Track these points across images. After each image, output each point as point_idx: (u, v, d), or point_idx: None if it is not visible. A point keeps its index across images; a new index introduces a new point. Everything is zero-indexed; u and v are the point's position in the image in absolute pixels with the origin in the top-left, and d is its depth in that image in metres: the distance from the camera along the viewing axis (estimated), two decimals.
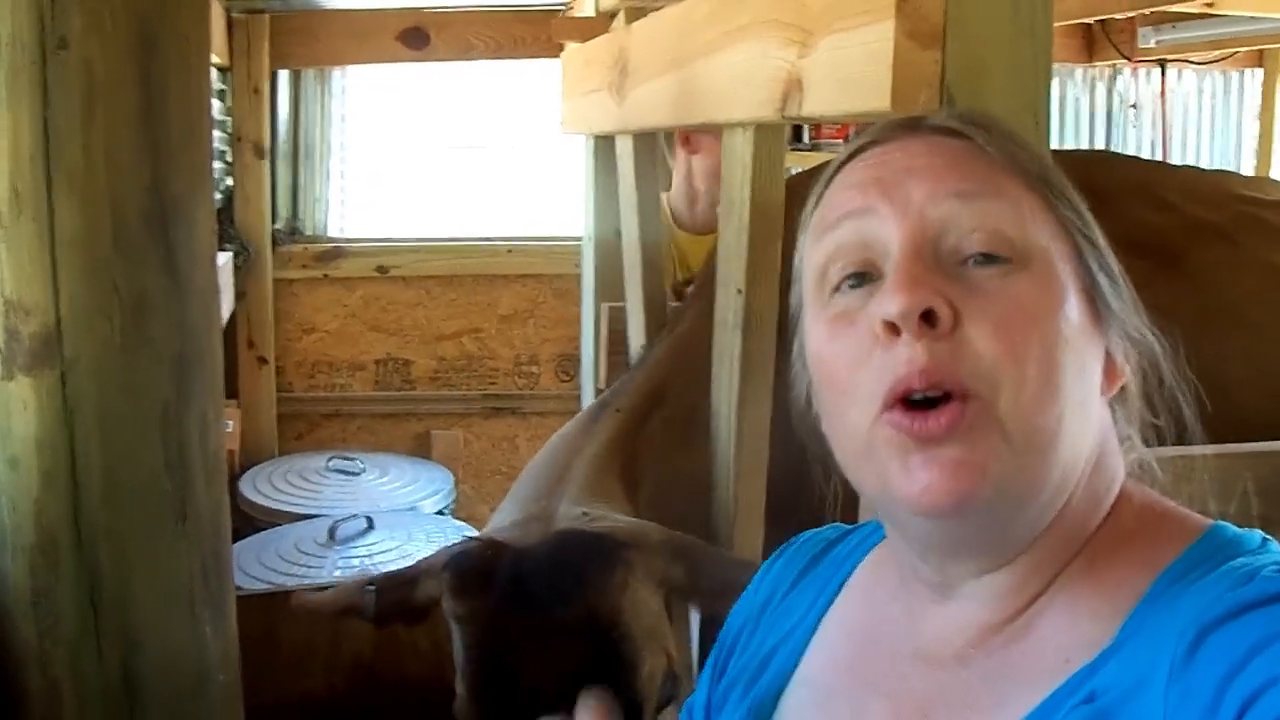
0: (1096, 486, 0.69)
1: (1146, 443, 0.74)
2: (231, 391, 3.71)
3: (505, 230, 4.18)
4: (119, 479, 1.21)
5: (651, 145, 2.33)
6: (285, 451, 3.96)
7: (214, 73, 3.49)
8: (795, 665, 0.80)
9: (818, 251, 0.72)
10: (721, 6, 1.60)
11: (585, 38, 2.67)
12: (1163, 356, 0.72)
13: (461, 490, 3.89)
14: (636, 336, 2.22)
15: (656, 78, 1.96)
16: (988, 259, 0.66)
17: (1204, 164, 4.38)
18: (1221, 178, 2.36)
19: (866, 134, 0.75)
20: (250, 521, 3.26)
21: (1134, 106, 4.42)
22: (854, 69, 1.16)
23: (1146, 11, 3.32)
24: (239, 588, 1.60)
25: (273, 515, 3.31)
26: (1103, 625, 0.64)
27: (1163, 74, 4.34)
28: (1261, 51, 4.23)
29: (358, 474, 3.61)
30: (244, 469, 3.67)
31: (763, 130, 1.53)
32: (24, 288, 1.16)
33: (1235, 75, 4.47)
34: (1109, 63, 4.25)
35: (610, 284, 2.53)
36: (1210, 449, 0.81)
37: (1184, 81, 4.46)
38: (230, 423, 3.56)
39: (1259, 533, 0.66)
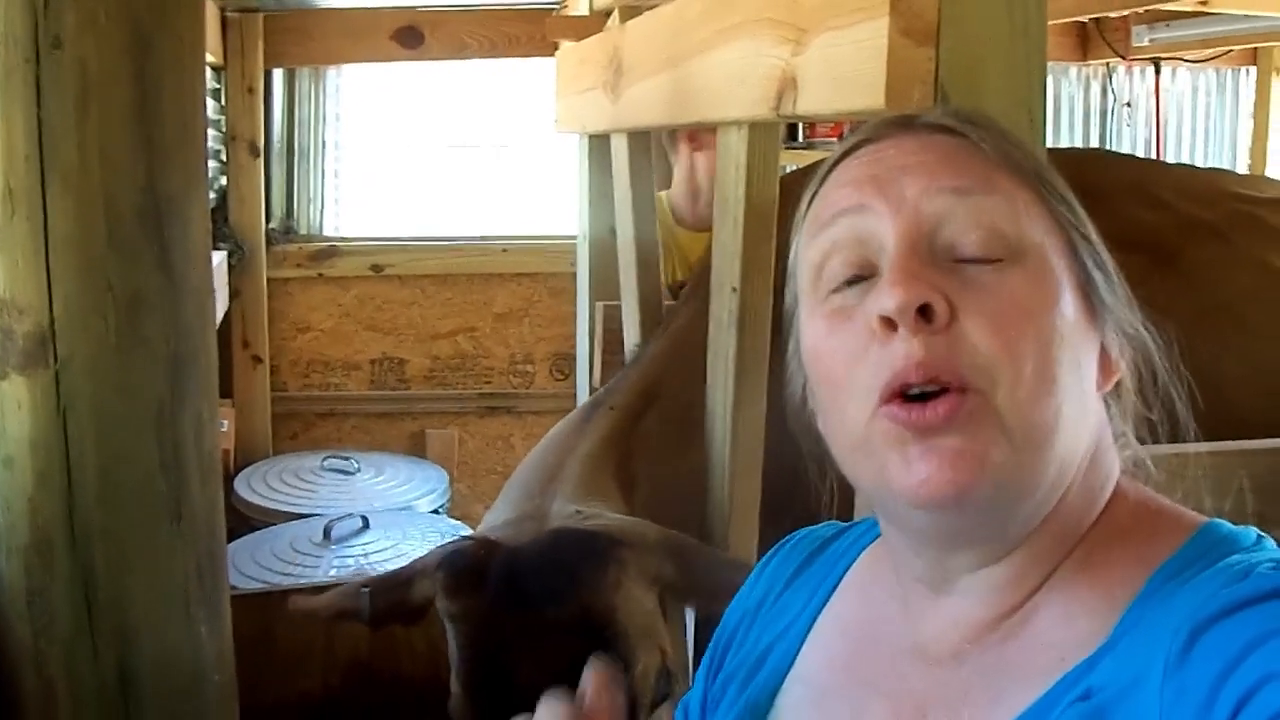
0: (1092, 482, 0.69)
1: (1141, 440, 0.74)
2: (226, 391, 3.73)
3: (500, 229, 4.18)
4: (114, 478, 1.21)
5: (646, 144, 2.33)
6: (280, 451, 3.96)
7: (208, 72, 3.48)
8: (791, 663, 0.80)
9: (813, 249, 0.72)
10: (715, 5, 1.59)
11: (579, 36, 2.67)
12: (1157, 352, 0.72)
13: (456, 489, 3.89)
14: (631, 335, 2.21)
15: (651, 76, 1.96)
16: (983, 254, 0.66)
17: (1198, 162, 4.39)
18: (1216, 176, 2.37)
19: (860, 132, 0.75)
20: (245, 521, 3.26)
21: (1128, 105, 4.43)
22: (848, 67, 1.16)
23: (1140, 10, 3.33)
24: (234, 587, 1.60)
25: (268, 515, 3.31)
26: (1098, 622, 0.64)
27: (1157, 72, 4.35)
28: (1255, 50, 4.23)
29: (353, 473, 3.61)
30: (239, 468, 3.67)
31: (757, 129, 1.53)
32: (18, 286, 1.16)
33: (1229, 73, 4.48)
34: (1103, 61, 4.26)
35: (605, 283, 2.52)
36: (1205, 446, 0.81)
37: (1178, 80, 4.47)
38: (225, 422, 3.56)
39: (1254, 530, 0.66)
